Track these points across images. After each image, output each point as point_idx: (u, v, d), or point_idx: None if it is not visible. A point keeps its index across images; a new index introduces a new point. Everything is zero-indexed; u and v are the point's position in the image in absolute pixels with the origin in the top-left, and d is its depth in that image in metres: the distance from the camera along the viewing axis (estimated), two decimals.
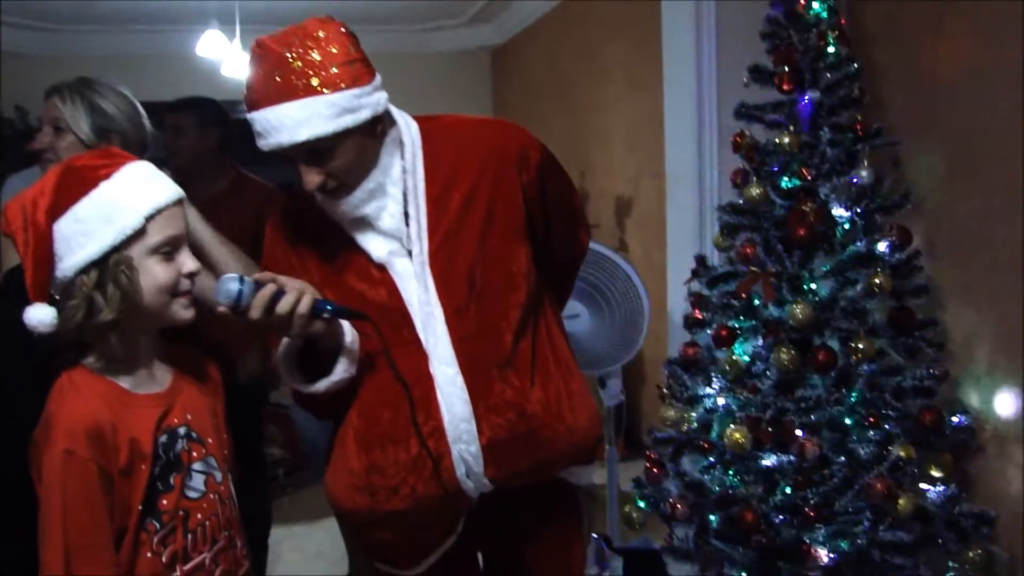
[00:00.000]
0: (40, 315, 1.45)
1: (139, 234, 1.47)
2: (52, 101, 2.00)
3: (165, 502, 1.50)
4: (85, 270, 1.45)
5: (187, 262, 1.54)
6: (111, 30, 6.71)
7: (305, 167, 1.63)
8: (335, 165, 1.63)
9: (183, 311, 1.54)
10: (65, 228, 1.45)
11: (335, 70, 1.59)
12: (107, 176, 1.48)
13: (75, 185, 1.47)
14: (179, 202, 1.55)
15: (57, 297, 1.46)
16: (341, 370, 1.69)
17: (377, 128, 1.68)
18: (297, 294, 1.57)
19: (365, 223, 1.71)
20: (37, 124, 2.06)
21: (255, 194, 3.00)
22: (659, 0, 3.48)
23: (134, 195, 1.48)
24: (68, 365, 1.50)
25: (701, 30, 3.15)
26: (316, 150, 1.60)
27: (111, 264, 1.45)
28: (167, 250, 1.51)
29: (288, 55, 1.58)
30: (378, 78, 1.67)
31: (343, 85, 1.59)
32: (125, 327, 1.48)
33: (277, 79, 1.57)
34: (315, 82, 1.57)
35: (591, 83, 5.67)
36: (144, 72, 7.05)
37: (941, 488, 2.54)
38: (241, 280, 1.55)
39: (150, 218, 1.48)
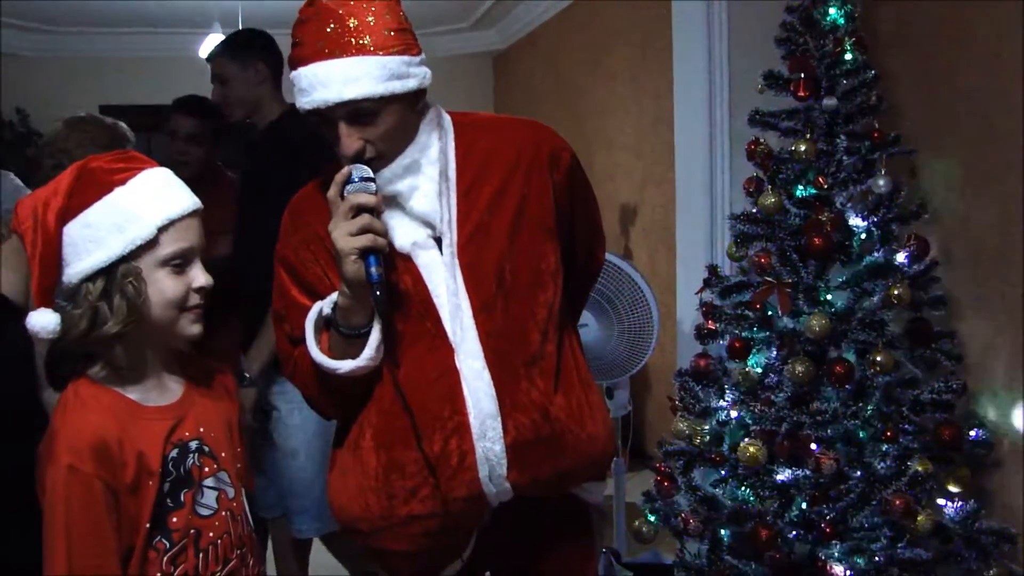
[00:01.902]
0: (43, 321, 1.40)
1: (150, 245, 1.42)
2: None
3: (175, 519, 1.45)
4: (91, 278, 1.40)
5: (198, 276, 1.48)
6: (112, 32, 6.70)
7: (346, 129, 1.59)
8: (375, 131, 1.59)
9: (190, 327, 1.49)
10: (74, 232, 1.41)
11: (388, 34, 1.57)
12: (123, 182, 1.43)
13: (89, 188, 1.42)
14: (194, 213, 1.49)
15: (62, 303, 1.42)
16: (367, 355, 1.61)
17: (419, 103, 1.66)
18: (383, 228, 1.57)
19: (395, 204, 1.65)
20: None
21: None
22: (668, 2, 3.44)
23: (148, 204, 1.43)
24: (74, 375, 1.45)
25: (713, 33, 3.12)
26: (359, 112, 1.57)
27: (119, 274, 1.40)
28: (178, 263, 1.46)
29: (343, 12, 1.56)
30: (424, 55, 1.65)
31: (395, 50, 1.57)
32: (131, 338, 1.43)
33: (329, 35, 1.55)
34: (367, 41, 1.55)
35: (595, 88, 5.63)
36: (145, 74, 7.06)
37: (960, 504, 2.49)
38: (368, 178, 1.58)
39: (163, 229, 1.43)
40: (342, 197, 1.57)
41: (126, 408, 1.45)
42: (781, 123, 2.65)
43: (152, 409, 1.48)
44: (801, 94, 2.58)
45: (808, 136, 2.56)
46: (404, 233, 1.65)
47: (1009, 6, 2.50)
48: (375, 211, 1.57)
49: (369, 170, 1.59)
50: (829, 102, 2.55)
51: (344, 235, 1.55)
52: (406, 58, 1.58)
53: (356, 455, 1.71)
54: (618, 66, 5.27)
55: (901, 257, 2.50)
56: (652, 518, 2.80)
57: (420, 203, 1.65)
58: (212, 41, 5.27)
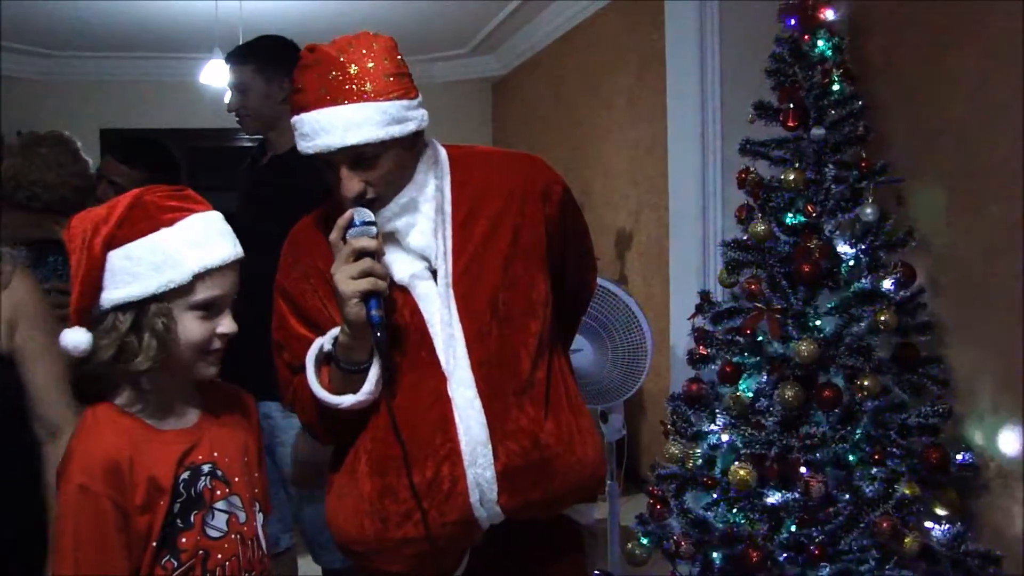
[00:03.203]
0: (76, 339, 1.44)
1: (184, 289, 1.46)
2: None
3: (184, 540, 1.48)
4: (122, 308, 1.44)
5: (226, 323, 1.52)
6: (112, 56, 6.76)
7: (347, 173, 1.64)
8: (376, 174, 1.64)
9: (207, 369, 1.53)
10: (116, 261, 1.44)
11: (388, 79, 1.62)
12: (170, 222, 1.47)
13: (138, 221, 1.46)
14: (234, 263, 1.53)
15: (95, 326, 1.46)
16: (367, 390, 1.66)
17: (417, 144, 1.71)
18: (384, 271, 1.61)
19: (392, 240, 1.71)
20: None
21: None
22: (662, 31, 3.50)
23: (189, 249, 1.46)
24: (99, 396, 1.49)
25: (705, 62, 3.18)
26: (361, 156, 1.62)
27: (151, 311, 1.44)
28: (208, 308, 1.49)
29: (343, 60, 1.61)
30: (420, 97, 1.70)
31: (394, 95, 1.62)
32: (155, 372, 1.47)
33: (331, 82, 1.60)
34: (368, 87, 1.60)
35: (592, 114, 5.69)
36: (145, 99, 7.12)
37: (947, 527, 2.53)
38: (370, 222, 1.61)
39: (199, 276, 1.46)
40: (344, 240, 1.62)
41: (141, 432, 1.48)
42: (771, 152, 2.71)
43: (167, 433, 1.52)
44: (790, 124, 2.64)
45: (797, 165, 2.62)
46: (402, 266, 1.71)
47: (993, 38, 2.56)
48: (376, 254, 1.62)
49: (370, 213, 1.64)
50: (817, 132, 2.61)
51: (346, 278, 1.59)
52: (405, 102, 1.64)
53: (352, 479, 1.75)
54: (615, 93, 5.34)
55: (888, 283, 2.55)
56: (645, 541, 2.82)
57: (416, 239, 1.71)
58: (213, 67, 5.35)
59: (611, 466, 3.65)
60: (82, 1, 5.43)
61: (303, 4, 5.46)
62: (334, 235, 1.63)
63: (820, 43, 2.65)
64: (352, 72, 1.60)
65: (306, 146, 1.63)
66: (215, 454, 1.56)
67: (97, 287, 1.44)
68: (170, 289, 1.45)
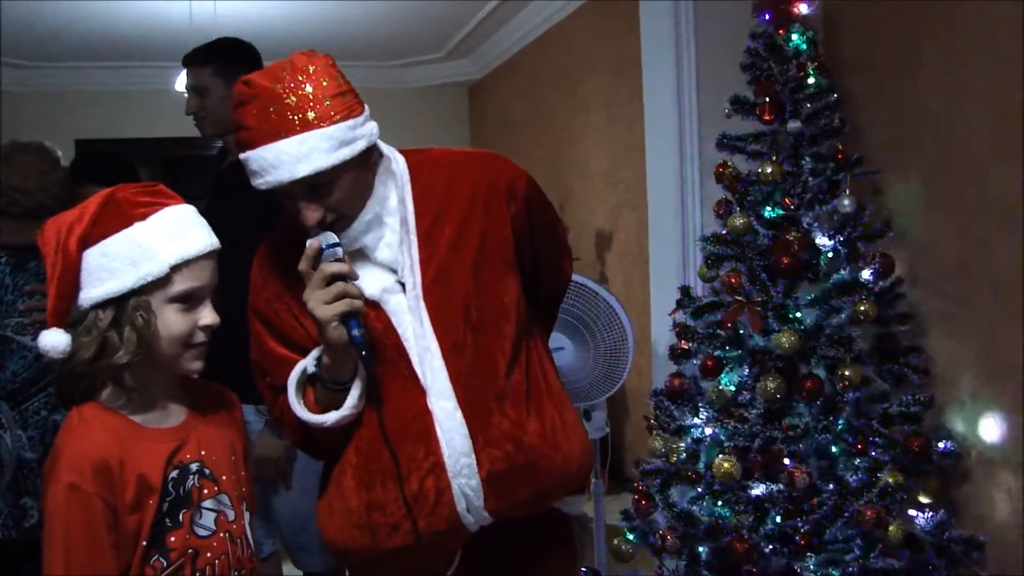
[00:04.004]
0: (54, 340, 1.43)
1: (162, 281, 1.46)
2: None
3: (173, 539, 1.47)
4: (102, 305, 1.44)
5: (206, 315, 1.51)
6: (87, 66, 6.71)
7: (305, 203, 1.61)
8: (334, 198, 1.62)
9: (192, 362, 1.52)
10: (92, 260, 1.44)
11: (328, 103, 1.58)
12: (143, 216, 1.46)
13: (111, 218, 1.45)
14: (210, 253, 1.52)
15: (73, 326, 1.45)
16: (351, 404, 1.67)
17: (371, 158, 1.68)
18: (359, 292, 1.60)
19: (360, 256, 1.70)
20: None
21: None
22: (638, 32, 3.52)
23: (164, 242, 1.46)
24: (81, 397, 1.48)
25: (681, 61, 3.19)
26: (315, 185, 1.60)
27: (129, 306, 1.44)
28: (188, 301, 1.49)
29: (280, 91, 1.57)
30: (367, 108, 1.67)
31: (338, 117, 1.58)
32: (138, 368, 1.47)
33: (272, 116, 1.56)
34: (311, 116, 1.56)
35: (569, 116, 5.71)
36: (120, 108, 7.07)
37: (930, 514, 2.55)
38: (337, 241, 1.60)
39: (176, 267, 1.46)
40: (314, 268, 1.60)
41: (129, 430, 1.48)
42: (748, 146, 2.72)
43: (155, 431, 1.51)
44: (766, 118, 2.65)
45: (774, 158, 2.64)
46: (372, 281, 1.69)
47: (966, 29, 2.59)
48: (347, 276, 1.60)
49: (334, 235, 1.62)
50: (794, 125, 2.62)
51: (320, 304, 1.58)
52: (350, 122, 1.60)
53: (340, 492, 1.75)
54: (592, 94, 5.36)
55: (867, 274, 2.57)
56: (631, 536, 2.83)
57: (384, 253, 1.70)
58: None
59: (596, 464, 3.66)
60: (55, 11, 5.39)
61: (277, 10, 5.44)
62: (303, 265, 1.60)
63: (795, 37, 2.67)
64: (291, 103, 1.56)
65: (259, 183, 1.61)
66: (203, 452, 1.55)
67: (74, 287, 1.44)
68: (147, 282, 1.44)
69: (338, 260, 1.60)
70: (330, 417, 1.67)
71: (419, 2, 5.60)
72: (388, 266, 1.71)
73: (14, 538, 2.41)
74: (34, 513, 2.39)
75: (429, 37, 6.59)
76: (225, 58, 2.72)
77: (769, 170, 2.61)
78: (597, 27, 5.16)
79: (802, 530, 2.44)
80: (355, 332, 1.58)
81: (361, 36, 6.09)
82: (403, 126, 5.64)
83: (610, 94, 5.08)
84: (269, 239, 1.83)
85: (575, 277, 3.53)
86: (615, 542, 2.87)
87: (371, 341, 1.63)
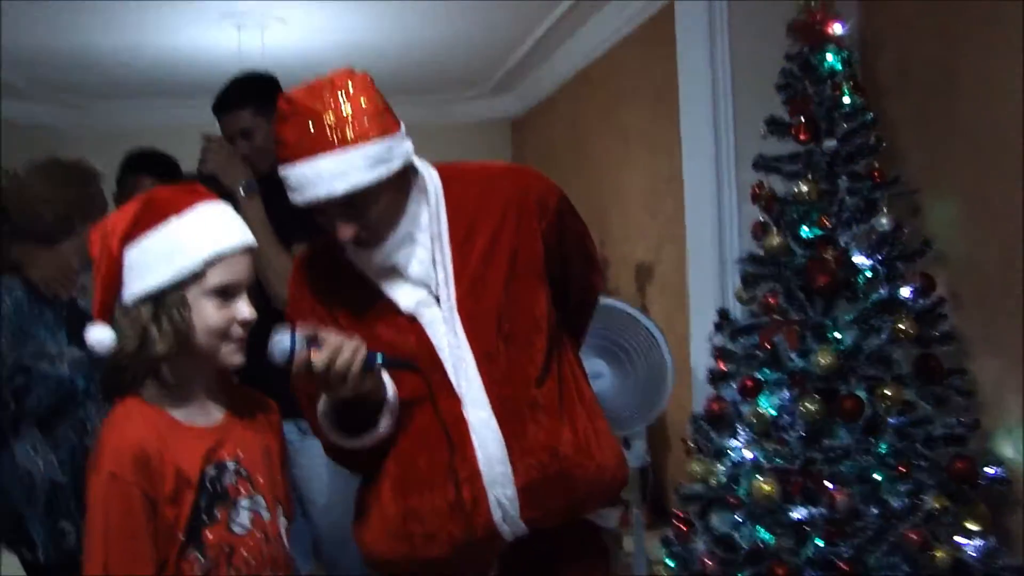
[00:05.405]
0: (100, 335, 1.49)
1: (197, 276, 1.50)
2: None
3: (210, 535, 1.50)
4: (143, 300, 1.49)
5: (243, 309, 1.54)
6: (139, 103, 6.87)
7: (340, 219, 1.65)
8: (369, 216, 1.65)
9: (232, 356, 1.55)
10: (132, 257, 1.50)
11: (367, 121, 1.62)
12: (178, 213, 1.51)
13: (149, 216, 1.51)
14: (245, 249, 1.56)
15: (117, 322, 1.50)
16: (386, 424, 1.70)
17: (406, 176, 1.71)
18: (353, 350, 1.58)
19: (394, 272, 1.73)
20: None
21: None
22: (674, 59, 3.53)
23: (198, 237, 1.51)
24: (126, 391, 1.53)
25: (717, 84, 3.19)
26: (352, 202, 1.63)
27: (167, 300, 1.48)
28: (223, 295, 1.52)
29: (320, 108, 1.61)
30: (403, 127, 1.71)
31: (376, 136, 1.62)
32: (178, 362, 1.52)
33: (311, 133, 1.60)
34: (349, 134, 1.60)
35: (609, 148, 5.73)
36: (172, 144, 7.20)
37: (979, 542, 2.47)
38: (293, 337, 1.56)
39: (210, 262, 1.50)
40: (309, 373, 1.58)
41: (169, 425, 1.52)
42: (784, 166, 2.71)
43: (194, 429, 1.54)
44: (802, 137, 2.64)
45: (810, 177, 2.62)
46: (406, 295, 1.73)
47: (1004, 46, 2.56)
48: (312, 363, 1.57)
49: (284, 339, 1.57)
50: (830, 144, 2.61)
51: (334, 392, 1.61)
52: (387, 141, 1.63)
53: (376, 502, 1.77)
54: (631, 126, 5.38)
55: (906, 291, 2.53)
56: (671, 563, 2.79)
57: (416, 269, 1.73)
58: None
59: (635, 494, 3.62)
60: (111, 50, 5.54)
61: (323, 44, 5.56)
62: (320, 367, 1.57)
63: (829, 57, 2.66)
64: (330, 122, 1.60)
65: (296, 198, 1.65)
66: (240, 453, 1.58)
67: (116, 284, 1.50)
68: (183, 277, 1.48)
69: (304, 347, 1.56)
70: (365, 440, 1.70)
71: (462, 39, 5.68)
72: (419, 282, 1.73)
73: (55, 562, 2.44)
74: (71, 536, 2.42)
75: (473, 73, 6.68)
76: (260, 95, 2.77)
77: (805, 189, 2.60)
78: (637, 59, 5.19)
79: (845, 555, 2.38)
80: (376, 366, 1.62)
81: (405, 72, 6.18)
82: (446, 160, 5.68)
83: (649, 125, 5.09)
84: (305, 253, 1.87)
85: (614, 303, 3.53)
86: (656, 569, 2.83)
87: (391, 352, 1.66)
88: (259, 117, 2.75)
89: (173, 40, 5.42)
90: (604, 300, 3.49)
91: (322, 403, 1.72)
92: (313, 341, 1.57)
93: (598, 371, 3.37)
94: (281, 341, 1.56)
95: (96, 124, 6.98)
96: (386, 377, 1.71)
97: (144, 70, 6.03)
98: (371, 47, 5.66)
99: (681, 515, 2.78)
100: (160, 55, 5.70)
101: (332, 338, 1.58)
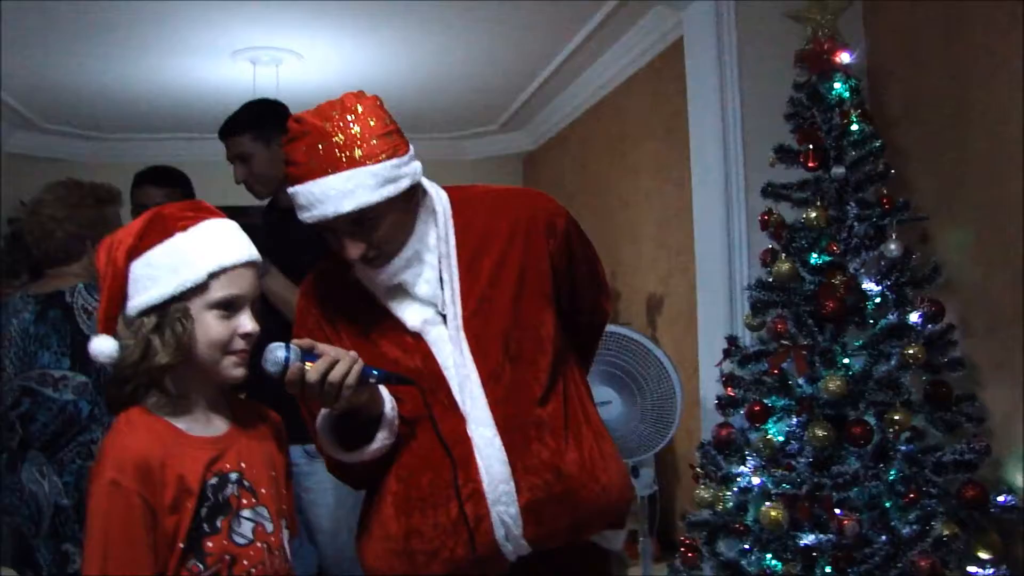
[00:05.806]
0: (103, 346, 1.52)
1: (201, 288, 1.52)
2: None
3: (210, 544, 1.50)
4: (147, 312, 1.51)
5: (246, 323, 1.56)
6: (160, 138, 6.96)
7: (348, 238, 1.67)
8: (377, 235, 1.67)
9: (233, 369, 1.57)
10: (138, 270, 1.52)
11: (375, 142, 1.64)
12: (184, 228, 1.54)
13: (155, 231, 1.54)
14: (249, 264, 1.58)
15: (120, 333, 1.53)
16: (382, 438, 1.70)
17: (414, 196, 1.73)
18: (349, 363, 1.59)
19: (401, 291, 1.75)
20: None
21: None
22: (683, 93, 3.57)
23: (203, 250, 1.53)
24: (129, 401, 1.54)
25: (727, 113, 3.22)
26: (359, 220, 1.65)
27: (171, 312, 1.51)
28: (226, 308, 1.54)
29: (329, 129, 1.63)
30: (412, 148, 1.73)
31: (384, 156, 1.64)
32: (181, 373, 1.53)
33: (320, 152, 1.63)
34: (358, 154, 1.62)
35: (620, 182, 5.76)
36: (196, 177, 7.25)
37: (991, 571, 2.44)
38: (288, 348, 1.56)
39: (214, 275, 1.52)
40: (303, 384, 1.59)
41: (172, 435, 1.52)
42: (793, 194, 2.73)
43: (196, 439, 1.55)
44: (811, 165, 2.66)
45: (819, 204, 2.63)
46: (412, 314, 1.74)
47: (1012, 73, 2.59)
48: (305, 379, 1.57)
49: (279, 350, 1.56)
50: (838, 170, 2.63)
51: (328, 404, 1.62)
52: (395, 161, 1.65)
53: (379, 519, 1.77)
54: (641, 159, 5.41)
55: (915, 317, 2.53)
56: None
57: (423, 288, 1.74)
58: None
59: (643, 523, 3.59)
60: (129, 85, 5.62)
61: (337, 79, 5.62)
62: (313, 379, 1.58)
63: (837, 85, 2.69)
64: (339, 142, 1.62)
65: (305, 216, 1.67)
66: (242, 464, 1.58)
67: (121, 296, 1.52)
68: (187, 289, 1.51)
69: (299, 358, 1.57)
70: (365, 452, 1.70)
71: (474, 76, 5.75)
72: (426, 301, 1.75)
73: None
74: (76, 559, 2.41)
75: (484, 110, 6.74)
76: (260, 122, 2.82)
77: (814, 215, 2.61)
78: (647, 93, 5.24)
79: None
80: (371, 380, 1.62)
81: (418, 109, 6.25)
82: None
83: (659, 158, 5.13)
84: (312, 273, 1.89)
85: (625, 331, 3.53)
86: None
87: (388, 367, 1.68)
88: (258, 143, 2.80)
89: (190, 75, 5.49)
90: (615, 328, 3.51)
91: (320, 417, 1.72)
92: (309, 353, 1.58)
93: (607, 398, 3.37)
94: (275, 351, 1.56)
95: (112, 158, 7.06)
96: (387, 393, 1.72)
97: (161, 105, 6.11)
98: (384, 84, 5.71)
99: (688, 542, 2.76)
100: (177, 90, 5.78)
101: (328, 350, 1.59)
